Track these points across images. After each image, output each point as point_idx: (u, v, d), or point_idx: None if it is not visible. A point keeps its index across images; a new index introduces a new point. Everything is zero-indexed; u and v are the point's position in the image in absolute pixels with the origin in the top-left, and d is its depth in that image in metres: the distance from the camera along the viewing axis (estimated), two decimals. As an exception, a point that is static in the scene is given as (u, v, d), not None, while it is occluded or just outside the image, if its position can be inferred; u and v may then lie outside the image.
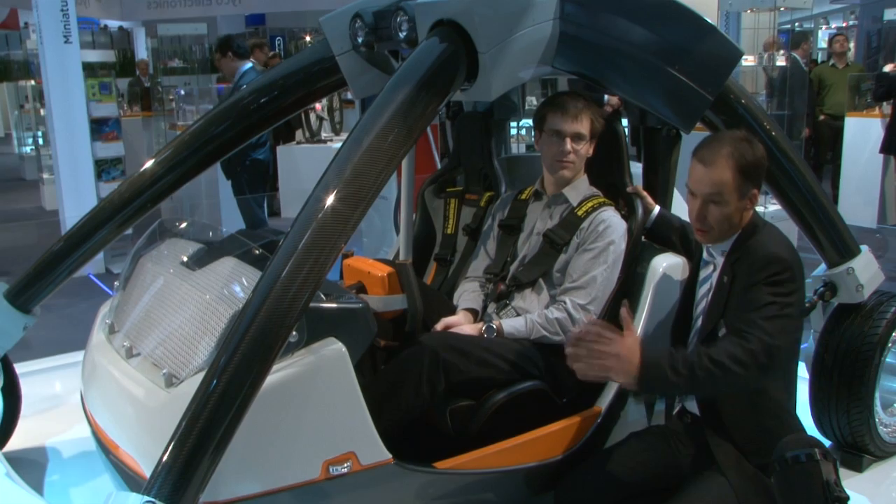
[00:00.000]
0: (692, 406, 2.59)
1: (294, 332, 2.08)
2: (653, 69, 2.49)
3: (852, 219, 7.85)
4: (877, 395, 3.16)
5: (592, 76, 2.66)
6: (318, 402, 2.18)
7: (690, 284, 2.65)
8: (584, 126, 2.85)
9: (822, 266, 3.22)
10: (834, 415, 3.19)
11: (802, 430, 2.50)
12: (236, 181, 6.61)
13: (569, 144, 2.86)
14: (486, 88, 2.42)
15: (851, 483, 3.08)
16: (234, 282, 2.38)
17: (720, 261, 2.51)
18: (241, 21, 16.54)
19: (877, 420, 3.18)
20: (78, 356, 2.88)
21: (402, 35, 2.54)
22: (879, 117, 8.39)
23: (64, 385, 4.16)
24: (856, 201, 8.40)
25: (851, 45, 11.93)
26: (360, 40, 2.71)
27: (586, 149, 2.91)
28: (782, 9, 7.51)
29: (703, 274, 2.60)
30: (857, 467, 3.22)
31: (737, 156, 2.35)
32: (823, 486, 2.10)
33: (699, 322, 2.56)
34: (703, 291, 2.57)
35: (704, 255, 2.60)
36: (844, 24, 18.06)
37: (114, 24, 17.04)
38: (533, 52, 2.50)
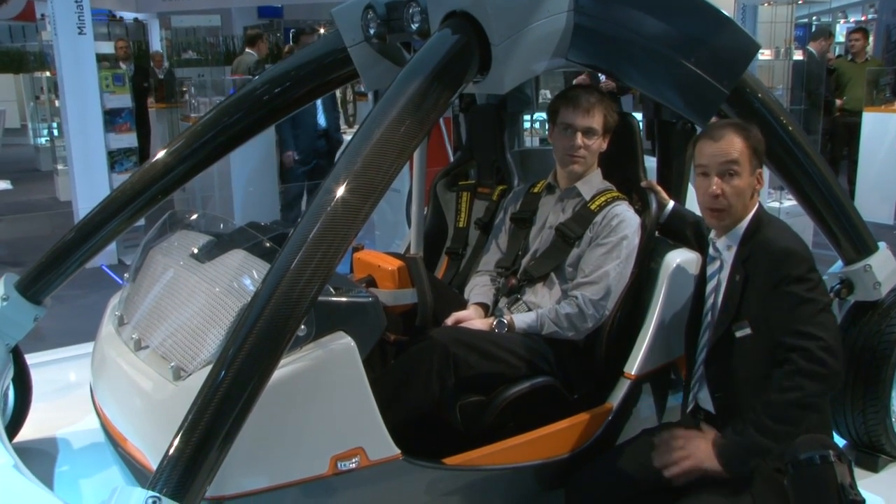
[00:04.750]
0: (706, 403, 2.56)
1: (302, 326, 2.06)
2: (668, 62, 2.46)
3: (869, 215, 7.72)
4: (893, 393, 3.13)
5: (607, 68, 2.64)
6: (327, 397, 2.17)
7: (701, 282, 2.62)
8: (596, 121, 2.82)
9: (839, 263, 3.18)
10: (850, 414, 3.15)
11: (828, 430, 2.45)
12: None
13: (580, 139, 2.83)
14: (499, 81, 2.39)
15: (867, 483, 3.03)
16: (243, 274, 2.37)
17: (727, 256, 2.48)
18: (254, 13, 16.57)
19: (893, 419, 3.15)
20: (90, 347, 2.88)
21: (414, 26, 2.51)
22: (898, 112, 8.31)
23: (76, 375, 4.17)
24: (873, 197, 8.29)
25: (871, 39, 11.77)
26: (371, 32, 2.69)
27: (598, 143, 2.87)
28: (800, 2, 7.42)
29: (710, 270, 2.57)
30: (873, 467, 3.18)
31: (743, 133, 2.43)
32: (838, 489, 2.07)
33: (709, 319, 2.54)
34: (712, 287, 2.54)
35: (710, 250, 2.57)
36: (864, 18, 17.88)
37: (129, 15, 17.11)
38: (546, 45, 2.46)
